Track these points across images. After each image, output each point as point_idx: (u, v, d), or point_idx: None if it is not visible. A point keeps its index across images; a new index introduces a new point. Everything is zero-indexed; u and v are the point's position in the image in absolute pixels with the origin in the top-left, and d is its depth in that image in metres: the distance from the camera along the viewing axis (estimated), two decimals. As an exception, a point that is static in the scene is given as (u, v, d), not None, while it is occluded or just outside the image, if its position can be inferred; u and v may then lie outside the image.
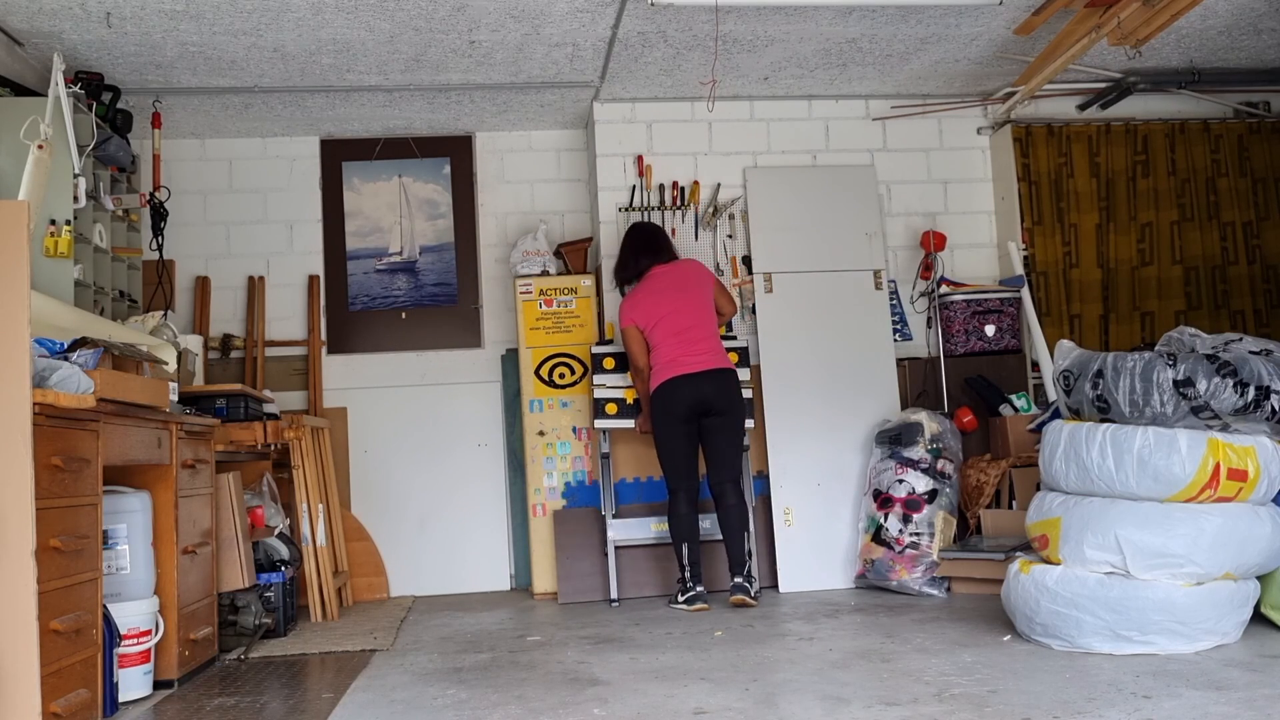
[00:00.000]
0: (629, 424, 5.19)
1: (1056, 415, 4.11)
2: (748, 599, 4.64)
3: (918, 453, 4.99)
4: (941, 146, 5.84)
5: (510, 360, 5.82)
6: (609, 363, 5.26)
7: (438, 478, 5.80)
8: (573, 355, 5.45)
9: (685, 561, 4.74)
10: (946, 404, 5.44)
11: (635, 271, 5.03)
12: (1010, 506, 4.97)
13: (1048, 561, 3.68)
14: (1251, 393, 3.46)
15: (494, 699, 3.22)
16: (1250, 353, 3.57)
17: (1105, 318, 5.79)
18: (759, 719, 2.85)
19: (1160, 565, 3.42)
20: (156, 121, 5.12)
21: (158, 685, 3.47)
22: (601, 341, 5.39)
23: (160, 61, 4.73)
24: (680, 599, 4.73)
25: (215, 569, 4.00)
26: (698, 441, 4.84)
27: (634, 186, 5.56)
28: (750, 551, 4.77)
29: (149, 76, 4.89)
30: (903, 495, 4.94)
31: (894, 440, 5.09)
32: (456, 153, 6.00)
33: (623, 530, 5.12)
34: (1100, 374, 3.65)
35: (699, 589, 4.70)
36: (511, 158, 6.01)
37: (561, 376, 5.43)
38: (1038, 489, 3.94)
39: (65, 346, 3.03)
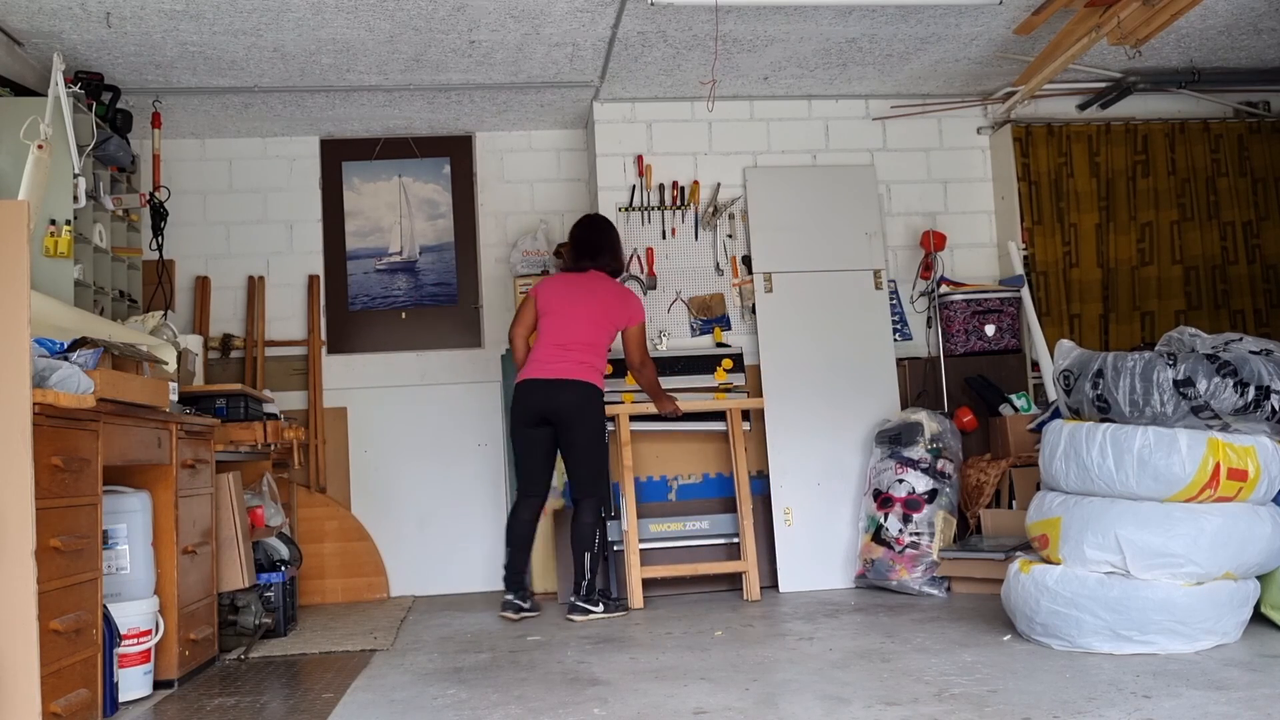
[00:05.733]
0: (629, 426, 5.19)
1: (1056, 415, 4.11)
2: (574, 618, 4.56)
3: (918, 452, 4.99)
4: (941, 146, 5.84)
5: (510, 360, 5.82)
6: (607, 369, 5.25)
7: (438, 478, 5.80)
8: (573, 355, 5.43)
9: (520, 568, 4.66)
10: (946, 404, 5.43)
11: (576, 268, 4.86)
12: (1010, 506, 4.97)
13: (1048, 561, 3.68)
14: (1251, 393, 3.46)
15: (494, 699, 3.22)
16: (1250, 353, 3.57)
17: (1105, 318, 5.79)
18: (759, 719, 2.85)
19: (1160, 565, 3.42)
20: (156, 121, 5.12)
21: (158, 685, 3.47)
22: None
23: (160, 61, 4.73)
24: (519, 605, 4.64)
25: (215, 569, 4.00)
26: (551, 451, 4.70)
27: (634, 186, 5.56)
28: (588, 570, 4.61)
29: (149, 76, 4.89)
30: (903, 495, 4.94)
31: (894, 440, 5.09)
32: (456, 153, 6.00)
33: (621, 530, 5.12)
34: (1100, 374, 3.65)
35: (508, 597, 4.63)
36: (511, 158, 6.01)
37: (561, 376, 5.41)
38: (1038, 489, 3.94)
39: (65, 346, 3.03)
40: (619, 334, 4.82)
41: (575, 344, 4.67)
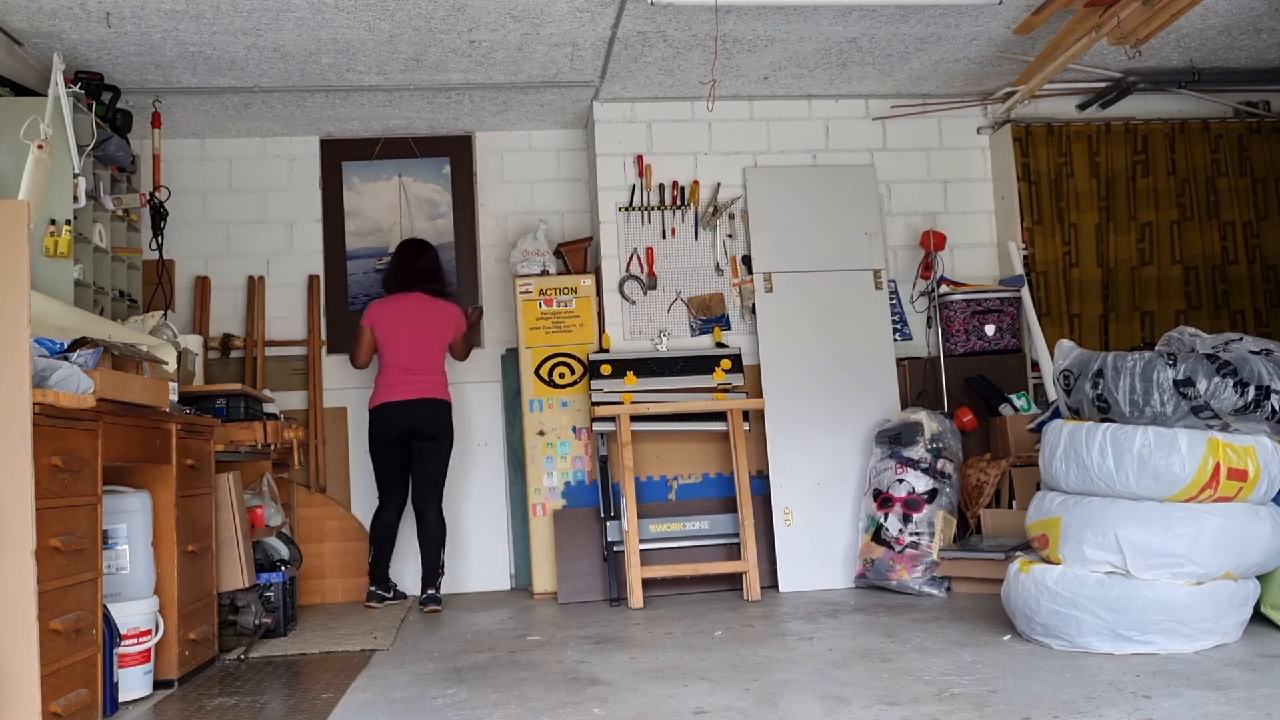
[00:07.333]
0: (629, 427, 5.19)
1: (1056, 415, 4.11)
2: (439, 608, 5.06)
3: (918, 452, 4.99)
4: (941, 146, 5.84)
5: (510, 360, 5.82)
6: (606, 369, 5.28)
7: (438, 478, 5.79)
8: (572, 355, 5.45)
9: (384, 563, 5.27)
10: (946, 404, 5.43)
11: (402, 290, 5.32)
12: (1010, 506, 4.97)
13: (1048, 561, 3.68)
14: (1251, 392, 3.46)
15: (494, 699, 3.22)
16: (1250, 353, 3.57)
17: (1105, 318, 5.79)
18: (759, 719, 2.85)
19: (1160, 565, 3.42)
20: (156, 121, 5.12)
21: (158, 685, 3.47)
22: (600, 350, 5.41)
23: (160, 61, 4.73)
24: (384, 596, 5.26)
25: (215, 569, 4.00)
26: (408, 462, 5.24)
27: (634, 186, 5.56)
28: (442, 566, 5.23)
29: (149, 76, 4.89)
30: (903, 495, 4.94)
31: (894, 440, 5.09)
32: (456, 152, 5.99)
33: (621, 530, 5.12)
34: (1100, 374, 3.65)
35: (372, 589, 5.25)
36: (511, 157, 6.01)
37: (561, 376, 5.43)
38: (1038, 489, 3.94)
39: (65, 346, 3.03)
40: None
41: (422, 368, 5.20)
